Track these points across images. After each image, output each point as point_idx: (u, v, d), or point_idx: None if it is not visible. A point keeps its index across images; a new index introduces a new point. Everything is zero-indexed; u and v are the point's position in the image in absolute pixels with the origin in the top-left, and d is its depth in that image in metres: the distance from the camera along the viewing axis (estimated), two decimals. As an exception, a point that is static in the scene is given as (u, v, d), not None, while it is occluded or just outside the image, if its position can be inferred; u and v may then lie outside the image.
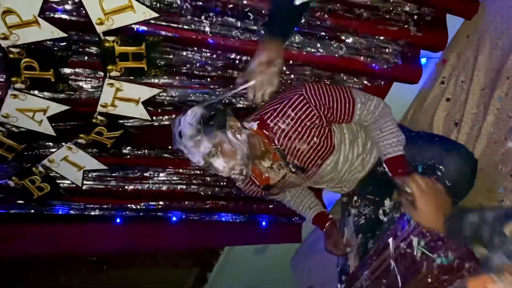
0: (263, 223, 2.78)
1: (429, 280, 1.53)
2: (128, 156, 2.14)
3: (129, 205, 2.31)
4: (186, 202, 2.38)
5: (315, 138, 1.74)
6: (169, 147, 2.18)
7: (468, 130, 1.92)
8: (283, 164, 1.78)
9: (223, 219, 2.56)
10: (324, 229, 2.03)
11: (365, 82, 2.22)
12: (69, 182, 2.14)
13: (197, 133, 1.59)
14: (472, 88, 1.93)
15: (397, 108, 2.43)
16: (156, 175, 2.27)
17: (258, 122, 1.74)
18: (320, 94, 1.72)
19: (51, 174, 2.07)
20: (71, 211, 2.23)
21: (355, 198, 2.14)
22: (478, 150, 1.85)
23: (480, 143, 1.85)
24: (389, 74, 2.18)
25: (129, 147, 2.12)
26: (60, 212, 2.22)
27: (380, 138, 1.80)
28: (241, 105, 2.17)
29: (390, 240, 1.75)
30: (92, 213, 2.27)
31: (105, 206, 2.27)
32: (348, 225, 2.25)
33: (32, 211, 2.17)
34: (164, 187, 2.30)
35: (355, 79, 2.21)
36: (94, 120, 1.90)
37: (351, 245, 2.00)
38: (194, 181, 2.37)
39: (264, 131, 1.73)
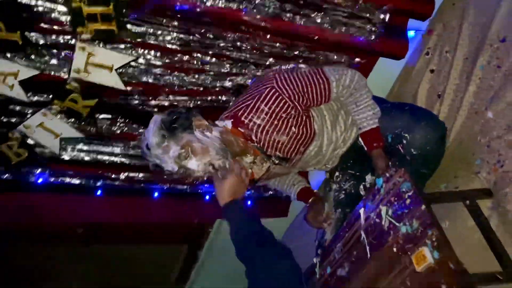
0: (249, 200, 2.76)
1: (395, 249, 1.49)
2: (104, 127, 2.12)
3: (109, 174, 2.29)
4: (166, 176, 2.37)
5: (293, 128, 1.70)
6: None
7: (450, 102, 1.86)
8: (265, 158, 1.75)
9: (208, 193, 2.54)
10: (308, 202, 2.03)
11: (348, 57, 2.15)
12: (47, 150, 2.12)
13: (163, 139, 1.57)
14: (456, 58, 1.86)
15: (383, 83, 2.38)
16: (134, 148, 2.24)
17: (232, 120, 1.71)
18: (292, 83, 1.68)
19: (28, 142, 2.06)
20: (51, 179, 2.22)
21: (337, 173, 2.11)
22: (459, 122, 1.80)
23: (461, 115, 1.80)
24: (373, 48, 2.11)
25: (105, 118, 2.10)
26: (39, 181, 2.22)
27: (355, 111, 1.77)
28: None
29: (361, 211, 1.71)
30: (72, 182, 2.26)
31: (85, 175, 2.26)
32: (329, 199, 2.22)
33: (11, 177, 2.17)
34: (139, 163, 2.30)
35: (336, 54, 2.13)
36: (68, 87, 1.89)
37: (330, 218, 1.97)
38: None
39: (240, 128, 1.70)
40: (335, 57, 2.15)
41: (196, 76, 2.05)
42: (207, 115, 1.66)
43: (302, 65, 1.80)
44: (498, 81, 1.66)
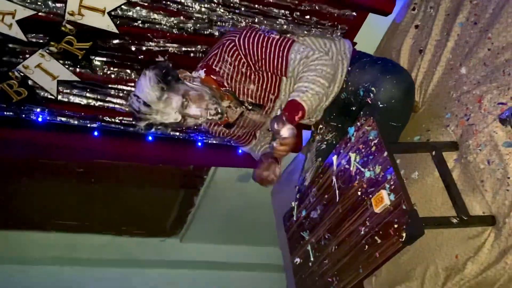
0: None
1: (359, 193, 1.60)
2: (99, 71, 2.20)
3: (105, 117, 2.40)
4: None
5: (256, 80, 1.79)
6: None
7: (430, 57, 1.91)
8: (238, 103, 1.83)
9: (199, 140, 2.65)
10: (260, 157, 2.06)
11: (333, 10, 2.17)
12: (46, 93, 2.23)
13: (162, 92, 1.63)
14: (439, 13, 1.89)
15: (372, 39, 2.41)
16: (128, 95, 2.32)
17: (205, 69, 1.80)
18: (253, 44, 1.73)
19: (28, 82, 2.16)
20: (50, 118, 2.34)
21: (321, 125, 2.20)
22: (436, 77, 1.86)
23: (438, 70, 1.85)
24: (359, 2, 2.13)
25: (100, 61, 2.18)
26: (39, 119, 2.35)
27: (300, 79, 1.75)
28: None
29: (334, 158, 1.81)
30: (71, 122, 2.38)
31: (82, 116, 2.37)
32: (311, 149, 2.32)
33: (12, 114, 2.30)
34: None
35: (322, 7, 2.15)
36: (63, 29, 1.97)
37: (276, 178, 2.00)
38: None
39: (212, 76, 1.79)
40: (328, 9, 2.19)
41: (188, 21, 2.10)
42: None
43: (275, 33, 1.82)
44: (473, 38, 1.69)
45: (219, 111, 1.74)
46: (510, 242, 1.40)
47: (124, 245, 3.77)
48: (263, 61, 1.74)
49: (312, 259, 1.89)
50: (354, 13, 2.20)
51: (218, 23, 2.11)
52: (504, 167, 1.44)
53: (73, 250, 3.66)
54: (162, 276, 3.84)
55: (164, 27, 2.10)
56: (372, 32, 2.32)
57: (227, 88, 1.78)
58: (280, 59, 1.74)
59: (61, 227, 3.59)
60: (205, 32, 2.15)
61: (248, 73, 1.77)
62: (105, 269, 3.71)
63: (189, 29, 2.12)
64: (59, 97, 2.26)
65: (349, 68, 1.94)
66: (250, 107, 1.84)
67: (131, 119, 2.44)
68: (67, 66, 2.15)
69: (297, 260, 2.02)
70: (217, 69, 1.77)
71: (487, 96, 1.55)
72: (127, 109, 2.35)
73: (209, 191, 3.53)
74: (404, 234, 1.35)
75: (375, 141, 1.57)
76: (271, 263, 3.86)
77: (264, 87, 1.81)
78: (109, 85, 2.30)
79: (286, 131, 1.63)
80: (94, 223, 3.59)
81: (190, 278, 3.92)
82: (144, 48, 2.15)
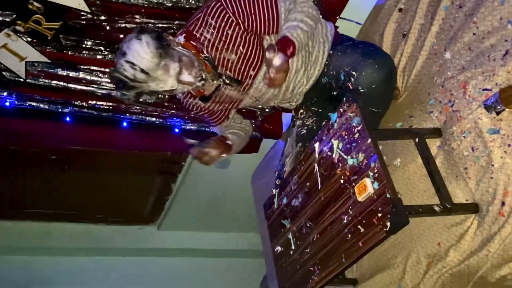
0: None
1: (342, 181, 1.56)
2: (70, 52, 2.10)
3: (77, 102, 2.29)
4: (135, 108, 2.38)
5: (241, 47, 1.71)
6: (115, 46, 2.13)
7: (414, 42, 1.87)
8: (216, 75, 1.75)
9: (177, 126, 2.57)
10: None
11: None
12: (13, 75, 2.11)
13: (160, 59, 1.55)
14: (423, -4, 1.85)
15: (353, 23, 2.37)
16: (102, 76, 2.24)
17: (184, 35, 1.71)
18: (241, 1, 1.67)
19: (-8, 63, 2.05)
20: (18, 102, 2.22)
21: (301, 110, 2.15)
22: (420, 62, 1.82)
23: (422, 55, 1.81)
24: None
25: (71, 42, 2.07)
26: (7, 104, 2.23)
27: (287, 20, 1.71)
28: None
29: (316, 144, 1.77)
30: (41, 106, 2.27)
31: (53, 99, 2.25)
32: (291, 135, 2.28)
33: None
34: (113, 93, 2.28)
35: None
36: (30, 6, 1.86)
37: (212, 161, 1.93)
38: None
39: (192, 42, 1.71)
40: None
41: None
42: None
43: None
44: (458, 22, 1.66)
45: (203, 77, 1.67)
46: (494, 230, 1.39)
47: (100, 234, 3.69)
48: (253, 16, 1.67)
49: (293, 247, 1.85)
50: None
51: None
52: (488, 154, 1.42)
53: (47, 239, 3.57)
54: (139, 264, 3.78)
55: (140, 1, 1.99)
56: (354, 16, 2.28)
57: (207, 55, 1.71)
58: (270, 9, 1.68)
59: (34, 216, 3.49)
60: (185, 6, 2.04)
61: (234, 36, 1.69)
62: (80, 258, 3.63)
63: (166, 3, 2.03)
64: (28, 80, 2.14)
65: (331, 52, 1.89)
66: (227, 81, 1.77)
67: (104, 102, 2.35)
68: (35, 47, 2.04)
69: (278, 248, 1.99)
70: (198, 35, 1.69)
71: (472, 82, 1.52)
72: (109, 84, 2.23)
73: (187, 178, 3.46)
74: (388, 224, 1.32)
75: (359, 128, 1.53)
76: (250, 249, 3.85)
77: (246, 58, 1.73)
78: (81, 66, 2.18)
79: (278, 59, 1.57)
80: (69, 211, 3.50)
81: (169, 266, 3.87)
82: (117, 25, 2.04)
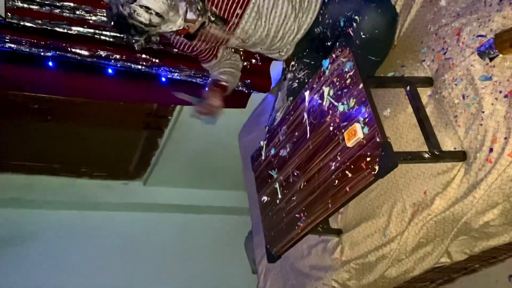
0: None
1: (331, 128, 1.55)
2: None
3: (61, 45, 2.19)
4: (118, 56, 2.31)
5: None
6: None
7: (409, -11, 1.82)
8: (202, 10, 1.70)
9: (163, 75, 2.50)
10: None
11: None
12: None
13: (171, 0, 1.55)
14: None
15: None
16: (86, 15, 2.14)
17: None
18: None
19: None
20: (-2, 45, 2.14)
21: (292, 63, 2.11)
22: (414, 10, 1.78)
23: (416, 3, 1.77)
24: None
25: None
26: (-14, 46, 2.14)
27: None
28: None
29: (306, 93, 1.74)
30: (22, 49, 2.17)
31: (35, 41, 2.14)
32: (282, 88, 2.24)
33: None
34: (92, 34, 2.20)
35: None
36: None
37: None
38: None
39: None
40: None
41: None
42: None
43: None
44: (455, -32, 1.62)
45: (199, 8, 1.66)
46: (480, 176, 1.39)
47: (84, 187, 3.65)
48: None
49: (279, 196, 1.85)
50: None
51: None
52: (479, 101, 1.41)
53: (29, 192, 3.52)
54: (124, 219, 3.77)
55: None
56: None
57: None
58: None
59: (15, 168, 3.42)
60: None
61: None
62: (64, 212, 3.60)
63: None
64: (8, 19, 2.04)
65: (325, 0, 1.84)
66: (212, 19, 1.73)
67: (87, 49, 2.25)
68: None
69: (265, 198, 1.99)
70: None
71: (466, 29, 1.49)
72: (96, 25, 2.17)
73: (173, 133, 3.41)
74: (377, 167, 1.31)
75: (351, 73, 1.50)
76: (236, 206, 3.87)
77: None
78: (64, 3, 2.09)
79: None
80: (52, 164, 3.44)
81: (154, 221, 3.87)
82: None
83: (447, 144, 1.50)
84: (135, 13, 1.51)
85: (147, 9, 1.51)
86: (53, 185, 3.53)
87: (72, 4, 2.08)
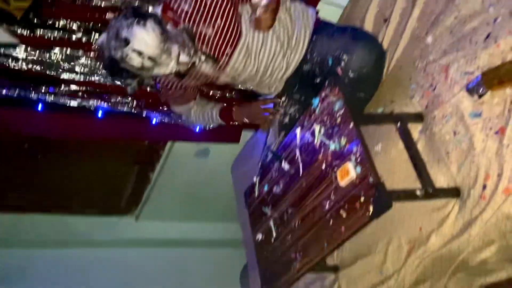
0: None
1: (323, 166, 1.54)
2: (41, 33, 2.00)
3: (51, 89, 2.20)
4: (110, 97, 2.31)
5: (219, 20, 1.69)
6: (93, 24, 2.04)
7: (396, 26, 1.85)
8: (192, 49, 1.69)
9: (154, 116, 2.50)
10: (234, 108, 2.06)
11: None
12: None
13: (165, 43, 1.53)
14: (404, -19, 1.83)
15: (335, 9, 2.34)
16: (76, 59, 2.15)
17: (162, 5, 1.67)
18: None
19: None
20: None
21: (283, 98, 2.12)
22: (401, 47, 1.80)
23: (404, 39, 1.79)
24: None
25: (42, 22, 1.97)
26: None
27: None
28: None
29: (298, 130, 1.74)
30: (10, 94, 2.15)
31: (23, 86, 2.14)
32: (274, 124, 2.25)
33: None
34: (82, 78, 2.20)
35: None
36: (-3, -14, 1.78)
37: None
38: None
39: (169, 14, 1.66)
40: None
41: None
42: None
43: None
44: (440, 5, 1.64)
45: (191, 53, 1.65)
46: (475, 214, 1.38)
47: (75, 225, 3.57)
48: None
49: (274, 235, 1.83)
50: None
51: None
52: (470, 138, 1.41)
53: (20, 231, 3.44)
54: (116, 256, 3.68)
55: None
56: (334, 2, 2.25)
57: (185, 26, 1.67)
58: None
59: (5, 208, 3.35)
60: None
61: (212, 6, 1.67)
62: (54, 251, 3.51)
63: None
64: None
65: (314, 37, 1.86)
66: (203, 58, 1.73)
67: (78, 87, 2.25)
68: (3, 28, 1.93)
69: (259, 236, 1.96)
70: (175, 6, 1.67)
71: (453, 66, 1.51)
72: (84, 68, 2.17)
73: (165, 167, 3.39)
74: (371, 208, 1.30)
75: (341, 112, 1.51)
76: (230, 239, 3.81)
77: (224, 32, 1.71)
78: (54, 48, 2.09)
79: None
80: (42, 201, 3.37)
81: (147, 257, 3.79)
82: (92, 4, 1.95)
83: (440, 180, 1.50)
84: (127, 57, 1.50)
85: (139, 53, 1.50)
86: (43, 223, 3.46)
87: (63, 49, 2.08)
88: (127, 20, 1.51)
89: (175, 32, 1.61)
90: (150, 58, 1.52)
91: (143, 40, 1.49)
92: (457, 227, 1.45)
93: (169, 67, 1.60)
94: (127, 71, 1.54)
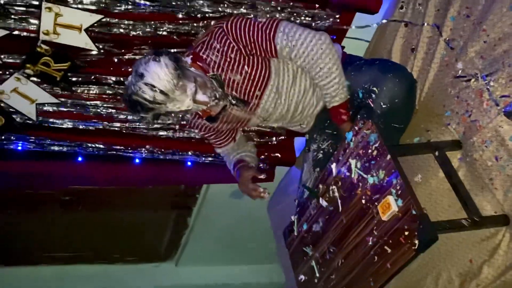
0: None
1: (363, 201, 1.51)
2: (79, 91, 2.10)
3: (88, 144, 2.28)
4: (147, 146, 2.38)
5: (246, 68, 1.73)
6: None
7: (423, 55, 1.85)
8: (222, 95, 1.75)
9: (189, 159, 2.54)
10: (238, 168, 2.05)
11: (322, 11, 2.10)
12: (24, 117, 2.12)
13: (178, 79, 1.57)
14: (428, 10, 1.84)
15: (361, 41, 2.36)
16: (113, 113, 2.23)
17: (191, 56, 1.75)
18: (241, 26, 1.71)
19: (3, 106, 2.04)
20: (30, 146, 2.21)
21: (315, 134, 2.12)
22: (431, 75, 1.79)
23: (433, 68, 1.79)
24: (347, 2, 2.07)
25: (79, 82, 2.08)
26: (19, 148, 2.23)
27: (321, 84, 1.77)
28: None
29: (333, 165, 1.72)
30: (52, 149, 2.26)
31: (64, 141, 2.24)
32: (308, 160, 2.24)
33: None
34: (122, 129, 2.28)
35: (307, 9, 2.08)
36: (38, 49, 1.87)
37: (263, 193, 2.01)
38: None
39: (199, 63, 1.73)
40: (306, 11, 2.12)
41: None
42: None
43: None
44: (467, 31, 1.64)
45: (217, 96, 1.69)
46: (528, 241, 1.32)
47: (117, 274, 3.61)
48: (252, 44, 1.71)
49: (317, 275, 1.78)
50: (337, 16, 2.15)
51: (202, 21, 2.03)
52: (514, 162, 1.37)
53: (64, 283, 3.50)
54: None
55: (142, 32, 2.00)
56: (360, 34, 2.27)
57: (214, 74, 1.72)
58: (266, 41, 1.70)
59: (49, 260, 3.43)
60: (191, 32, 2.05)
61: (237, 59, 1.72)
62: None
63: (170, 31, 2.04)
64: (39, 122, 2.14)
65: None
66: (233, 102, 1.77)
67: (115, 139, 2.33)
68: (45, 88, 2.04)
69: (302, 277, 1.91)
70: (204, 56, 1.72)
71: (487, 90, 1.49)
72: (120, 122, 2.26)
73: (202, 211, 3.41)
74: (416, 241, 1.26)
75: (376, 145, 1.49)
76: (271, 282, 3.74)
77: (251, 78, 1.74)
78: (91, 103, 2.17)
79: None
80: (84, 252, 3.44)
81: (188, 303, 3.77)
82: (126, 57, 2.04)
83: (487, 208, 1.44)
84: (140, 90, 1.55)
85: (152, 86, 1.54)
86: (86, 274, 3.52)
87: (98, 103, 2.18)
88: (145, 57, 1.58)
89: (192, 72, 1.65)
90: (162, 92, 1.55)
91: (156, 74, 1.54)
92: (510, 256, 1.38)
93: (184, 103, 1.62)
94: (140, 104, 1.57)
